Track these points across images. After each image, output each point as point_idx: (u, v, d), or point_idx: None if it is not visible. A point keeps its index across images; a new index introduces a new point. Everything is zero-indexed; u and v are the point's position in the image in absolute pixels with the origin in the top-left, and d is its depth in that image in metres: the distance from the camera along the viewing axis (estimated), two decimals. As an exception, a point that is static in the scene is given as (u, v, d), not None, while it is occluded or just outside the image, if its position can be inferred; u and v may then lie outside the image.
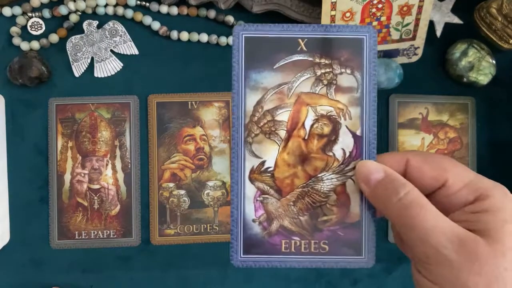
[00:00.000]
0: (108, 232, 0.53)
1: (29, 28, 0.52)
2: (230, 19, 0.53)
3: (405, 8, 0.49)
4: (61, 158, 0.52)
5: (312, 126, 0.32)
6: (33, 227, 0.52)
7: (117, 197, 0.53)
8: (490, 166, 0.55)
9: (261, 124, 0.32)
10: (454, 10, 0.54)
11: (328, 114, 0.32)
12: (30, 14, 0.52)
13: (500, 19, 0.50)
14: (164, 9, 0.53)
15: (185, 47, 0.54)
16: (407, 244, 0.29)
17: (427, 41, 0.53)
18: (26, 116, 0.53)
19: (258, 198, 0.32)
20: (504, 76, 0.55)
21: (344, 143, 0.32)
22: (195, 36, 0.53)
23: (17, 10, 0.52)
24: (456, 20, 0.54)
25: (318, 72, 0.32)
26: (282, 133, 0.32)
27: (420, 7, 0.50)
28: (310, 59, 0.32)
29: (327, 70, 0.32)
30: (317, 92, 0.32)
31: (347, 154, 0.32)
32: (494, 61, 0.53)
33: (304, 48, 0.32)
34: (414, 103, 0.55)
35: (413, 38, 0.52)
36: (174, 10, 0.53)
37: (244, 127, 0.32)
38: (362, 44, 0.32)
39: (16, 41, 0.52)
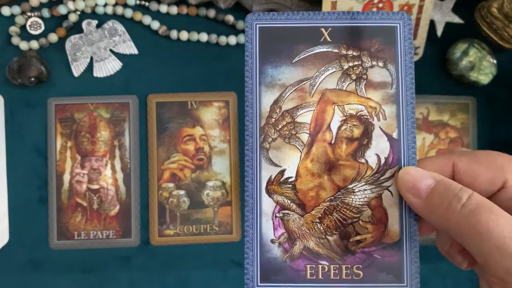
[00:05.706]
0: (108, 232, 0.52)
1: (28, 28, 0.52)
2: (230, 18, 0.53)
3: (405, 8, 0.49)
4: (60, 158, 0.52)
5: (339, 128, 0.28)
6: (32, 227, 0.52)
7: (117, 197, 0.53)
8: (491, 166, 0.55)
9: (280, 126, 0.28)
10: (455, 10, 0.54)
11: (358, 114, 0.28)
12: (29, 14, 0.52)
13: (501, 18, 0.50)
14: (163, 8, 0.53)
15: (185, 46, 0.54)
16: (479, 257, 0.23)
17: (428, 41, 0.52)
18: (25, 116, 0.52)
19: (277, 214, 0.27)
20: (505, 75, 0.55)
21: (379, 148, 0.27)
22: (194, 36, 0.53)
23: (16, 9, 0.52)
24: (456, 19, 0.54)
25: (345, 66, 0.28)
26: (305, 137, 0.28)
27: (420, 7, 0.49)
28: (336, 50, 0.28)
29: (356, 63, 0.28)
30: (344, 88, 0.28)
31: (383, 160, 0.27)
32: (495, 61, 0.53)
33: (328, 39, 0.28)
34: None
35: (414, 37, 0.52)
36: (174, 10, 0.53)
37: (259, 130, 0.27)
38: (396, 33, 0.28)
39: (15, 40, 0.52)
